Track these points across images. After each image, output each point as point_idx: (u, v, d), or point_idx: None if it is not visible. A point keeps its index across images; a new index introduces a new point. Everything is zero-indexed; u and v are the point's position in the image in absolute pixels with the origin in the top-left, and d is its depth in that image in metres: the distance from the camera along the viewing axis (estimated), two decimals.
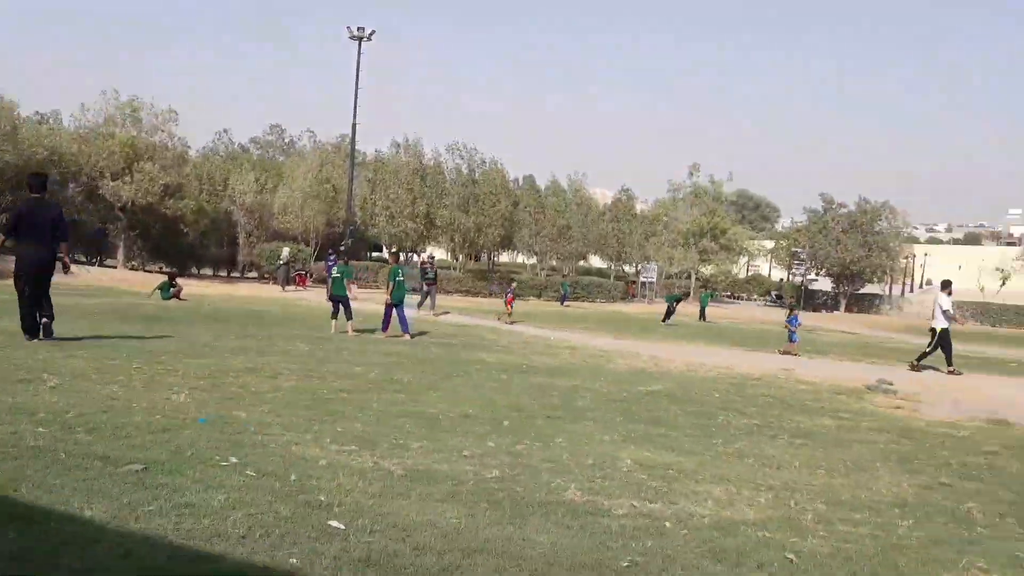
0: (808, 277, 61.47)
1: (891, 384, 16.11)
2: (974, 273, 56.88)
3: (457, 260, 61.49)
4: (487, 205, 52.74)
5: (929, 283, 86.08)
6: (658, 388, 13.44)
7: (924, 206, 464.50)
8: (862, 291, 57.14)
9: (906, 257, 63.76)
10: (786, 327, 23.89)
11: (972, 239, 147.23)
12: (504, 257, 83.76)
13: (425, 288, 30.97)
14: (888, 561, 5.35)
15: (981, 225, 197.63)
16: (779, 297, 58.01)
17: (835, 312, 53.92)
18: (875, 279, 56.55)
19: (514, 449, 7.95)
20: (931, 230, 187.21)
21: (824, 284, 59.80)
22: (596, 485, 6.74)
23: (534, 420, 9.67)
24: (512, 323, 27.45)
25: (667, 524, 5.78)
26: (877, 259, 53.21)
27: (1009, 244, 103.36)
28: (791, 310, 24.67)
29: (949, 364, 20.02)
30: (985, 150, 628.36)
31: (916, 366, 20.28)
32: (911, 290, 72.13)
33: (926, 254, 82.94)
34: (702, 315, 38.53)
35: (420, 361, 14.96)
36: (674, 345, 23.25)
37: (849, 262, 52.78)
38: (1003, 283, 54.64)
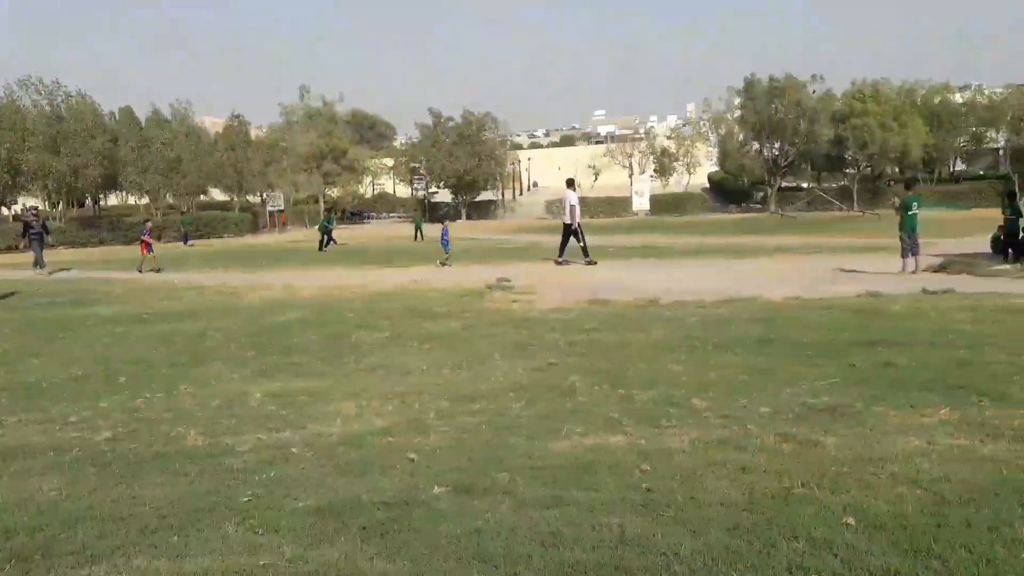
0: (430, 191, 63.82)
1: (509, 281, 17.38)
2: (571, 172, 62.98)
3: (57, 208, 54.93)
4: (80, 144, 47.40)
5: (535, 185, 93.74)
6: (292, 317, 13.22)
7: (524, 114, 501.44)
8: (479, 199, 60.63)
9: (512, 163, 68.67)
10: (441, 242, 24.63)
11: (567, 141, 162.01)
12: (112, 200, 76.48)
13: (35, 244, 26.69)
14: (502, 441, 5.80)
15: (574, 127, 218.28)
16: None
17: (458, 221, 56.78)
18: (488, 186, 60.18)
19: (131, 405, 7.37)
20: (532, 136, 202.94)
21: (446, 196, 62.45)
22: (221, 426, 6.49)
23: (156, 370, 9.05)
24: (158, 270, 24.92)
25: (294, 450, 5.74)
26: (487, 167, 56.65)
27: (598, 143, 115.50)
28: (443, 223, 25.56)
29: (585, 255, 21.72)
30: (575, 55, 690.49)
31: (559, 262, 22.04)
32: (520, 193, 77.93)
33: (529, 158, 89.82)
34: (329, 239, 38.33)
35: (18, 326, 13.25)
36: (309, 272, 22.98)
37: (463, 172, 55.61)
38: (595, 178, 61.12)
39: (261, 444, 5.95)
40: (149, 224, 28.87)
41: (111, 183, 55.95)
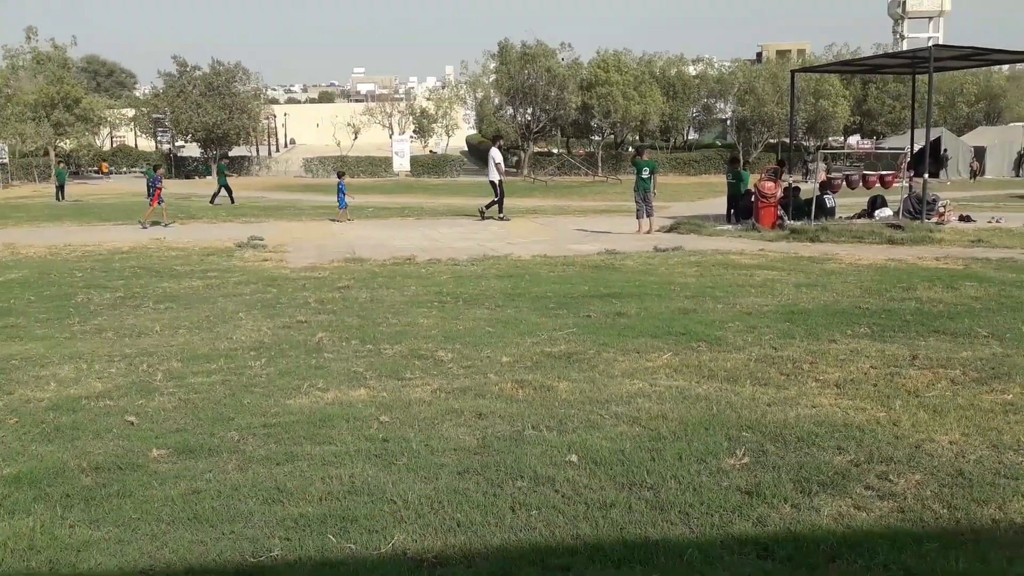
0: (176, 144, 59.74)
1: (262, 239, 16.67)
2: (330, 130, 61.34)
3: None
4: None
5: (293, 142, 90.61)
6: (12, 277, 11.94)
7: (280, 67, 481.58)
8: (232, 154, 57.55)
9: (267, 118, 65.77)
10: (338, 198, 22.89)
11: (326, 97, 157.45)
12: None
13: None
14: (235, 401, 5.54)
15: (333, 84, 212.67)
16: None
17: (208, 177, 53.62)
18: (241, 141, 57.27)
19: None
20: (289, 91, 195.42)
21: (194, 150, 58.76)
22: None
23: None
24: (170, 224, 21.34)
25: None
26: (239, 121, 53.78)
27: (357, 101, 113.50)
28: (339, 177, 23.83)
29: (500, 211, 21.76)
30: (335, 9, 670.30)
31: (483, 215, 21.90)
32: (276, 149, 75.02)
33: (286, 114, 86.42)
34: (60, 194, 34.83)
35: None
36: (38, 231, 20.76)
37: (212, 126, 52.40)
38: (355, 137, 59.94)
39: None
40: (161, 170, 24.35)
41: None
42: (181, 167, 56.26)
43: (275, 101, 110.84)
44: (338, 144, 59.45)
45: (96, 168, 53.77)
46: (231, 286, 11.12)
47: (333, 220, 22.23)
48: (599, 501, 3.84)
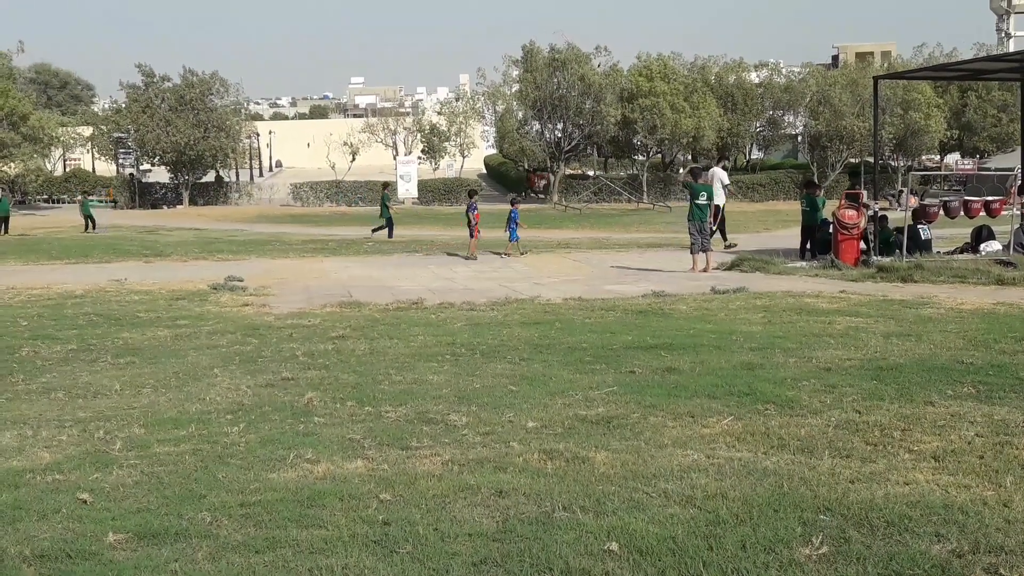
0: (141, 168, 60.70)
1: (241, 280, 16.88)
2: (323, 150, 62.02)
3: None
4: None
5: (279, 164, 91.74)
6: None
7: (265, 79, 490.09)
8: (205, 180, 58.35)
9: (249, 136, 66.61)
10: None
11: (319, 112, 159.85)
12: None
13: None
14: (208, 475, 5.58)
15: (326, 97, 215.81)
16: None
17: (179, 207, 54.35)
18: (218, 165, 58.01)
19: None
20: (275, 105, 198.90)
21: (162, 175, 59.62)
22: None
23: None
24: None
25: None
26: (216, 141, 54.52)
27: (356, 116, 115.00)
28: (512, 204, 24.17)
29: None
30: (328, 11, 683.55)
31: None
32: (260, 174, 75.91)
33: (271, 132, 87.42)
34: (4, 227, 35.40)
35: None
36: None
37: (184, 146, 53.17)
38: (353, 158, 60.59)
39: None
40: (476, 198, 25.07)
41: None
42: (146, 195, 57.07)
43: (259, 117, 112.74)
44: (332, 166, 60.11)
45: (104, 197, 54.63)
46: (204, 336, 11.26)
47: (500, 254, 22.48)
48: None
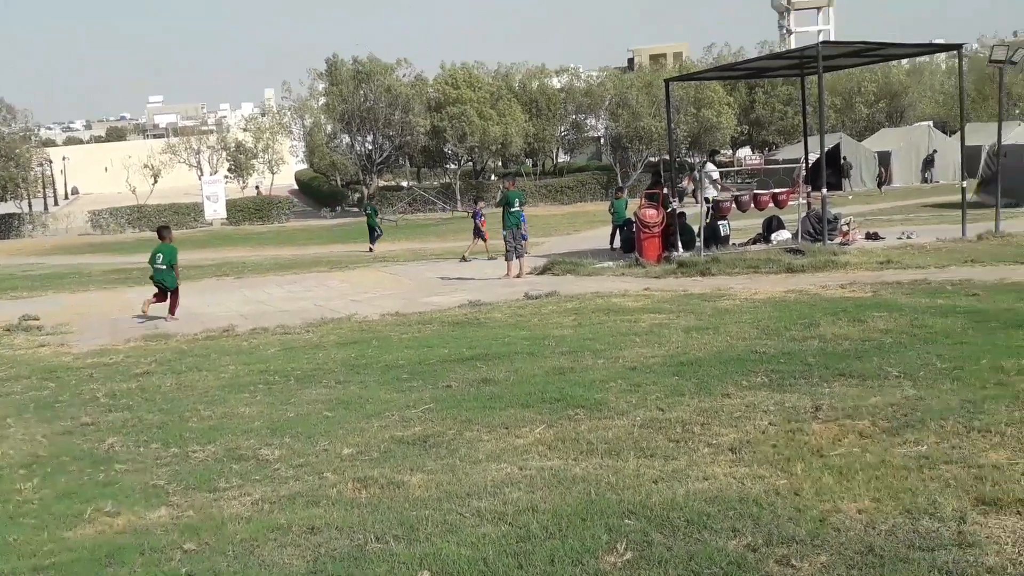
0: None
1: (37, 319, 15.90)
2: (122, 174, 59.42)
3: None
4: None
5: (75, 191, 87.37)
6: None
7: (57, 102, 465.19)
8: None
9: (41, 164, 63.12)
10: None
11: (116, 134, 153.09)
12: None
13: None
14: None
15: (123, 118, 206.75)
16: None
17: None
18: (7, 196, 54.77)
19: None
20: (68, 129, 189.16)
21: None
22: None
23: None
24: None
25: None
26: (5, 171, 51.48)
27: (156, 136, 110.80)
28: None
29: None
30: (124, 29, 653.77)
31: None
32: (55, 203, 72.23)
33: (65, 158, 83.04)
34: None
35: None
36: None
37: None
38: (155, 181, 58.32)
39: None
40: (481, 204, 26.65)
41: None
42: None
43: (51, 143, 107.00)
44: (133, 191, 57.71)
45: None
46: None
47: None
48: None
